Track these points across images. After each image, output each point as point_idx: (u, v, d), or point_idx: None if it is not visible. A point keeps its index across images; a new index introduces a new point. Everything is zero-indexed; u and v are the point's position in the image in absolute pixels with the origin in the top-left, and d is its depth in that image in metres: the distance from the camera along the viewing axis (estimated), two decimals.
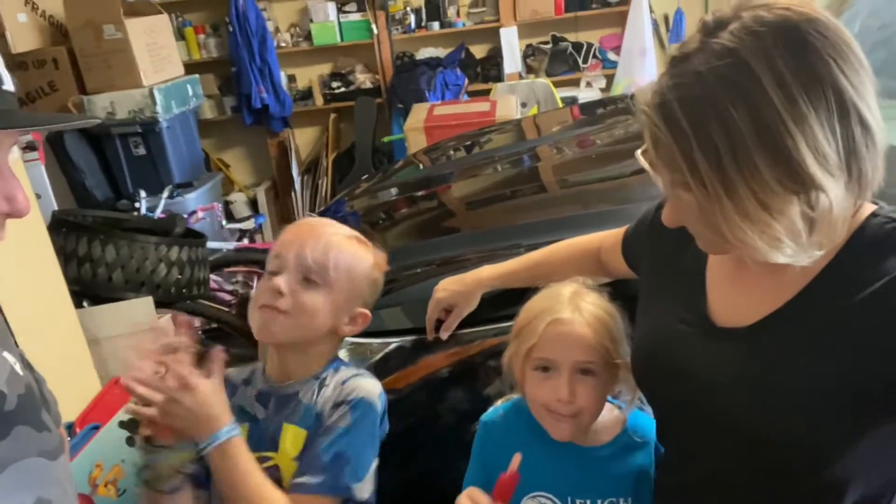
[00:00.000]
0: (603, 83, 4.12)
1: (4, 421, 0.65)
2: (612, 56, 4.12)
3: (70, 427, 1.82)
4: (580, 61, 4.16)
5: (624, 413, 0.98)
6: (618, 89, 3.62)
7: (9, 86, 0.65)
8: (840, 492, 0.71)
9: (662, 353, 0.82)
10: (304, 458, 0.92)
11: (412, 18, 4.11)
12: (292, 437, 0.94)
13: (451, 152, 2.34)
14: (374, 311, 1.35)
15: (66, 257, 2.22)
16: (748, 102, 0.61)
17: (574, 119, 2.49)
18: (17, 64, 3.00)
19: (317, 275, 0.93)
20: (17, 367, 0.73)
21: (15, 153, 1.84)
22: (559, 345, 0.90)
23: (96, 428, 1.83)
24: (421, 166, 2.26)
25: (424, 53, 4.17)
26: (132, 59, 3.09)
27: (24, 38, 2.98)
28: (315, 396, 0.95)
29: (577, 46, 4.16)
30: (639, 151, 0.72)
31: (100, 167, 3.26)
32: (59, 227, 2.28)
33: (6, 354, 0.73)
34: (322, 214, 2.22)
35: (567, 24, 4.16)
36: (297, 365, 0.97)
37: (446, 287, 1.19)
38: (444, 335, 1.18)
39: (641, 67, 3.63)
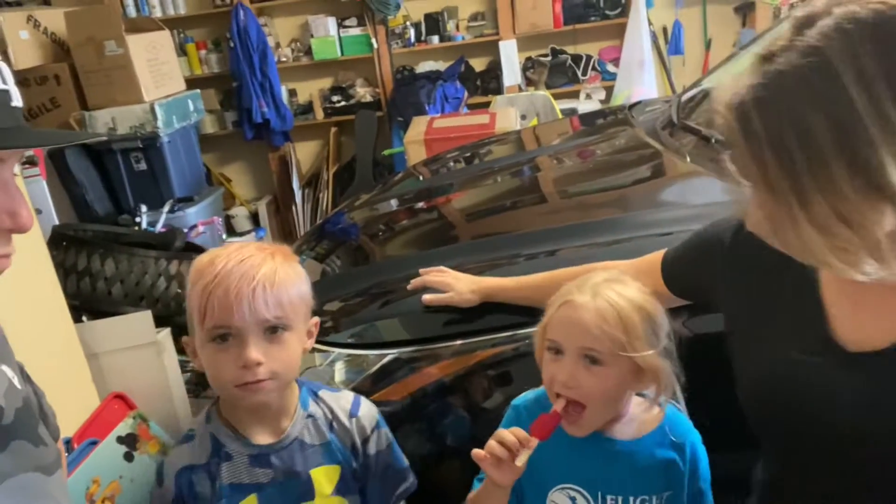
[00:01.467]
0: (602, 95, 4.13)
1: (1, 435, 0.64)
2: (610, 68, 4.13)
3: (68, 442, 1.81)
4: (579, 73, 4.18)
5: (661, 410, 0.94)
6: (617, 101, 3.63)
7: (17, 102, 0.65)
8: None
9: (788, 388, 0.75)
10: (379, 480, 0.99)
11: (412, 32, 4.14)
12: (326, 478, 0.94)
13: (451, 164, 2.34)
14: (370, 323, 1.36)
15: (66, 271, 2.22)
16: (827, 106, 0.57)
17: (573, 130, 2.49)
18: (18, 80, 3.00)
19: (279, 323, 0.88)
20: (16, 381, 0.72)
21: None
22: (565, 328, 0.88)
23: (94, 443, 1.82)
24: (421, 178, 2.26)
25: (424, 67, 4.19)
26: (133, 75, 3.11)
27: (25, 55, 3.00)
28: (322, 429, 0.96)
29: (577, 59, 4.18)
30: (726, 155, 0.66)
31: (101, 182, 3.27)
32: (58, 241, 2.28)
33: (5, 368, 0.73)
34: (321, 227, 2.22)
35: (566, 37, 4.18)
36: (276, 412, 0.95)
37: (456, 275, 1.22)
38: (426, 299, 1.20)
39: (640, 79, 3.64)
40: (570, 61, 4.17)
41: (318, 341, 1.33)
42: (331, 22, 4.11)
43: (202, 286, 0.87)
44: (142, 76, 3.15)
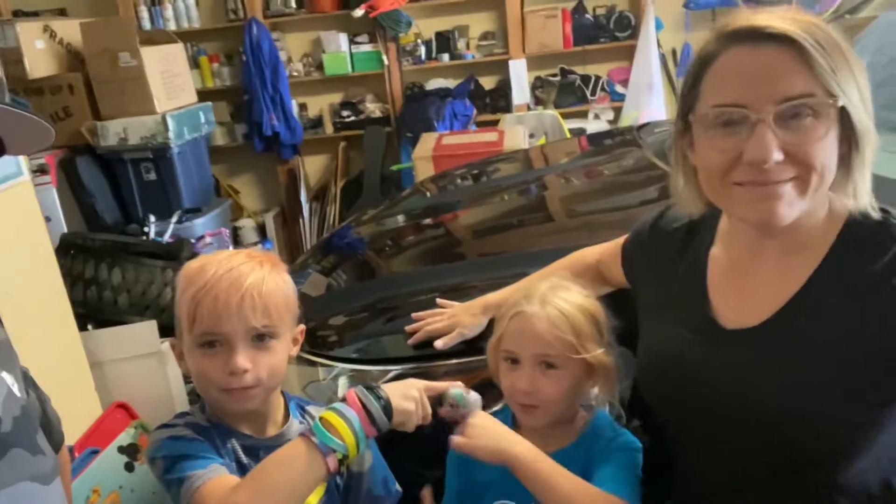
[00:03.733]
0: (611, 115, 4.14)
1: (1, 443, 0.64)
2: (619, 89, 4.15)
3: (70, 450, 1.81)
4: (588, 94, 4.19)
5: (588, 413, 1.00)
6: (625, 121, 3.64)
7: None
8: (849, 491, 0.75)
9: (673, 362, 0.84)
10: (367, 488, 0.99)
11: (422, 50, 4.18)
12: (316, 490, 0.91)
13: (459, 181, 2.35)
14: (375, 338, 1.36)
15: (73, 279, 2.22)
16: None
17: (581, 150, 2.50)
18: (33, 89, 3.05)
19: (267, 331, 0.89)
20: (16, 389, 0.72)
21: (25, 175, 1.86)
22: (520, 338, 0.95)
23: (96, 452, 1.82)
24: (428, 194, 2.27)
25: (434, 84, 4.22)
26: (146, 87, 3.14)
27: (41, 65, 3.03)
28: None
29: (586, 79, 4.20)
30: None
31: (111, 191, 3.29)
32: (66, 249, 2.30)
33: (4, 375, 0.73)
34: (327, 241, 2.22)
35: (575, 58, 4.20)
36: (263, 418, 0.95)
37: (453, 312, 1.21)
38: (439, 344, 1.18)
39: (649, 101, 3.66)
40: (579, 81, 4.19)
41: (321, 355, 1.33)
42: (342, 38, 4.15)
43: (192, 293, 0.87)
44: (155, 88, 3.18)
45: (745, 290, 0.81)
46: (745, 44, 0.72)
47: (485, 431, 0.92)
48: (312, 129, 4.36)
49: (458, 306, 1.23)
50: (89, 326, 2.22)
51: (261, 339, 0.89)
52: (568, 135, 3.64)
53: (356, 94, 4.37)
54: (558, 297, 0.95)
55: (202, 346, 0.88)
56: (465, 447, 0.91)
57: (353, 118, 4.31)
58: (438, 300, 1.27)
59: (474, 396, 0.94)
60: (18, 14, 3.64)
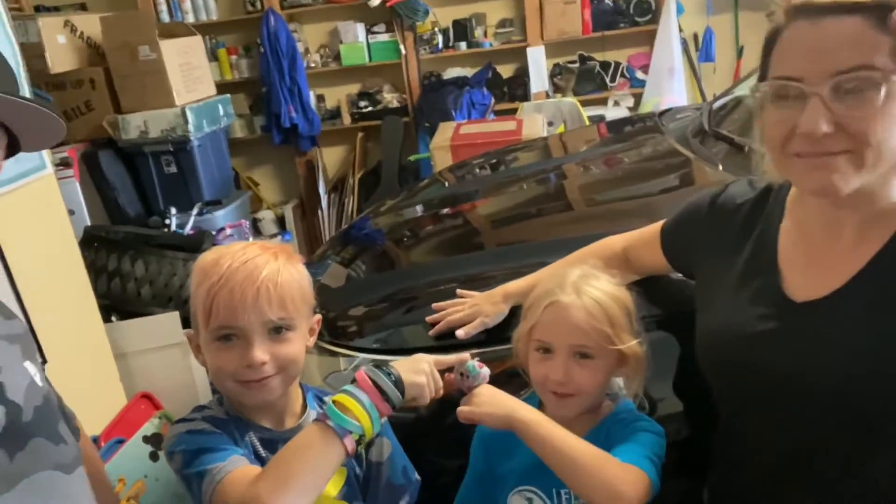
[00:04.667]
0: (631, 102, 4.09)
1: (20, 433, 0.64)
2: (639, 75, 4.09)
3: (94, 441, 1.84)
4: (607, 80, 4.14)
5: (612, 402, 1.00)
6: (646, 108, 3.59)
7: None
8: None
9: (742, 335, 0.84)
10: (378, 492, 0.98)
11: (440, 39, 4.15)
12: (332, 481, 0.91)
13: (477, 170, 2.33)
14: (395, 328, 1.35)
15: (97, 272, 2.25)
16: None
17: (601, 137, 2.47)
18: (55, 84, 3.09)
19: (283, 324, 0.89)
20: (38, 378, 0.73)
21: (49, 168, 1.88)
22: (556, 328, 0.94)
23: (121, 442, 1.85)
24: (446, 184, 2.25)
25: (451, 73, 4.20)
26: (166, 80, 3.16)
27: (62, 59, 3.07)
28: None
29: (605, 65, 4.14)
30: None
31: (132, 184, 3.33)
32: (90, 242, 2.33)
33: (27, 365, 0.74)
34: (346, 232, 2.22)
35: (594, 44, 4.15)
36: (280, 410, 0.95)
37: (474, 302, 1.20)
38: (461, 333, 1.17)
39: (670, 86, 3.60)
40: (598, 68, 4.14)
41: (342, 346, 1.34)
42: (359, 28, 4.14)
43: (207, 287, 0.87)
44: (174, 81, 3.20)
45: (820, 262, 0.81)
46: (806, 17, 0.74)
47: (491, 398, 0.93)
48: (330, 121, 4.37)
49: (478, 296, 1.23)
50: (114, 318, 2.26)
51: (277, 331, 0.88)
52: (587, 122, 3.60)
53: (373, 84, 4.36)
54: (591, 286, 0.94)
55: (218, 339, 0.87)
56: (472, 415, 0.92)
57: (370, 109, 4.30)
58: (458, 290, 1.27)
59: (485, 370, 0.96)
60: (40, 9, 3.68)
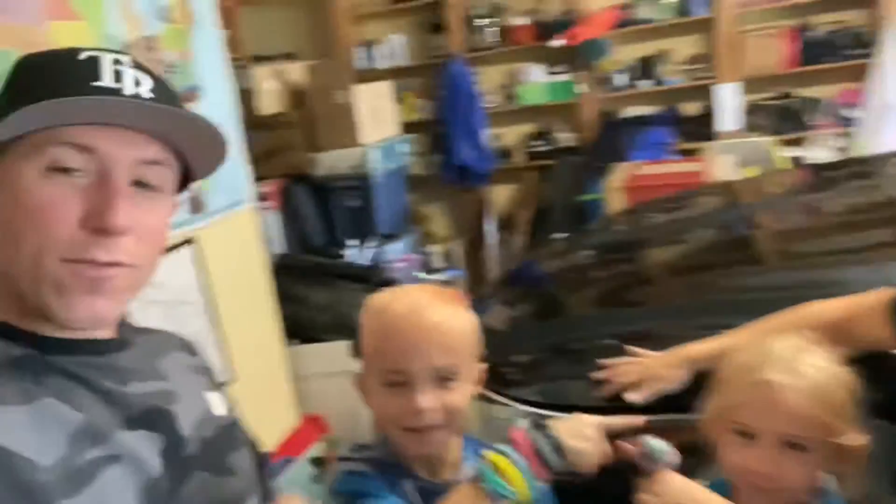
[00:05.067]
0: (838, 143, 3.65)
1: (182, 466, 0.63)
2: (849, 113, 3.65)
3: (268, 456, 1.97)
4: (811, 119, 3.74)
5: (818, 501, 0.83)
6: (858, 150, 3.18)
7: (108, 81, 0.58)
8: None
9: None
10: None
11: (621, 77, 4.05)
12: None
13: (655, 215, 2.20)
14: (559, 382, 1.29)
15: (283, 297, 2.44)
16: None
17: (803, 182, 2.21)
18: (262, 124, 3.46)
19: (451, 371, 0.86)
20: (215, 409, 0.73)
21: (251, 202, 2.08)
22: (764, 412, 0.80)
23: (289, 461, 1.96)
24: (620, 228, 2.15)
25: (631, 112, 4.06)
26: (356, 121, 3.41)
27: (270, 103, 3.44)
28: None
29: (808, 103, 3.75)
30: None
31: (320, 216, 3.60)
32: (280, 268, 2.53)
33: (209, 395, 0.75)
34: (512, 273, 2.20)
35: (794, 79, 3.79)
36: (438, 462, 0.92)
37: (649, 363, 1.10)
38: (634, 398, 1.07)
39: (888, 127, 3.16)
40: (799, 106, 3.76)
41: (501, 394, 1.29)
42: (539, 68, 4.17)
43: (377, 328, 0.87)
44: (363, 122, 3.44)
45: None
46: None
47: (681, 493, 0.80)
48: (504, 159, 4.42)
49: (651, 356, 1.12)
50: (295, 342, 2.42)
51: (444, 378, 0.86)
52: (785, 165, 3.27)
53: (549, 123, 4.35)
54: (808, 364, 0.80)
55: (386, 383, 0.87)
56: None
57: (544, 148, 4.29)
58: (629, 347, 1.17)
59: (673, 453, 0.83)
60: (256, 59, 4.18)
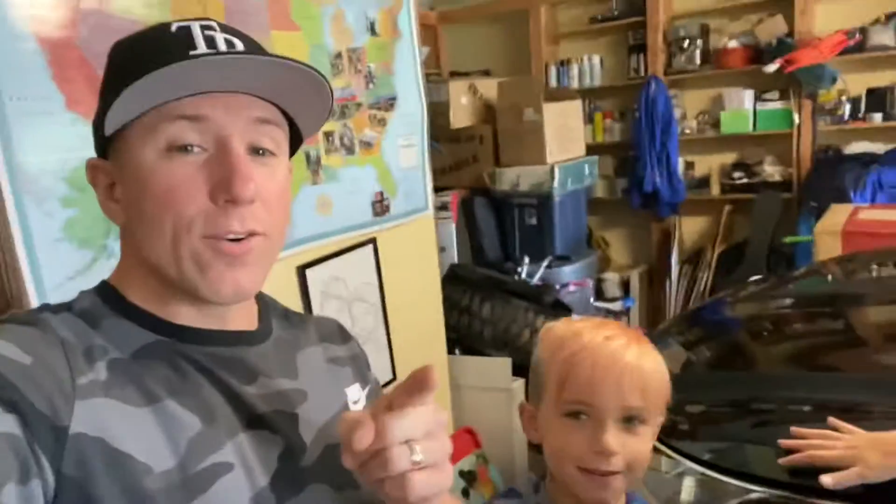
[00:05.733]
0: None
1: (297, 477, 0.60)
2: None
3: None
4: None
5: None
6: None
7: (201, 47, 0.56)
8: None
9: None
10: None
11: (846, 108, 3.58)
12: None
13: (875, 266, 1.89)
14: (737, 444, 1.14)
15: (451, 306, 2.48)
16: None
17: None
18: (452, 138, 3.57)
19: (639, 414, 0.79)
20: (356, 404, 0.70)
21: (430, 210, 2.13)
22: None
23: None
24: (830, 278, 1.88)
25: (856, 148, 3.58)
26: (542, 139, 3.39)
27: (461, 117, 3.54)
28: None
29: None
30: None
31: (496, 231, 3.62)
32: (452, 278, 2.58)
33: (351, 389, 0.71)
34: (696, 312, 2.02)
35: None
36: None
37: (855, 442, 0.93)
38: (828, 481, 0.90)
39: None
40: None
41: (670, 447, 1.17)
42: (747, 95, 3.84)
43: (566, 356, 0.81)
44: (549, 140, 3.41)
45: None
46: None
47: None
48: (696, 189, 4.13)
49: (859, 434, 0.94)
50: (456, 351, 2.44)
51: (630, 420, 0.79)
52: None
53: (754, 154, 3.98)
54: None
55: (567, 414, 0.81)
56: None
57: (745, 180, 3.94)
58: (831, 419, 1.00)
59: None
60: (453, 75, 4.33)
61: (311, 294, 1.63)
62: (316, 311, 1.65)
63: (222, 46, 0.57)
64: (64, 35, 1.09)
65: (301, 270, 1.61)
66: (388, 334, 1.90)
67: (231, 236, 0.57)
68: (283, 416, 0.62)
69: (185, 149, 0.56)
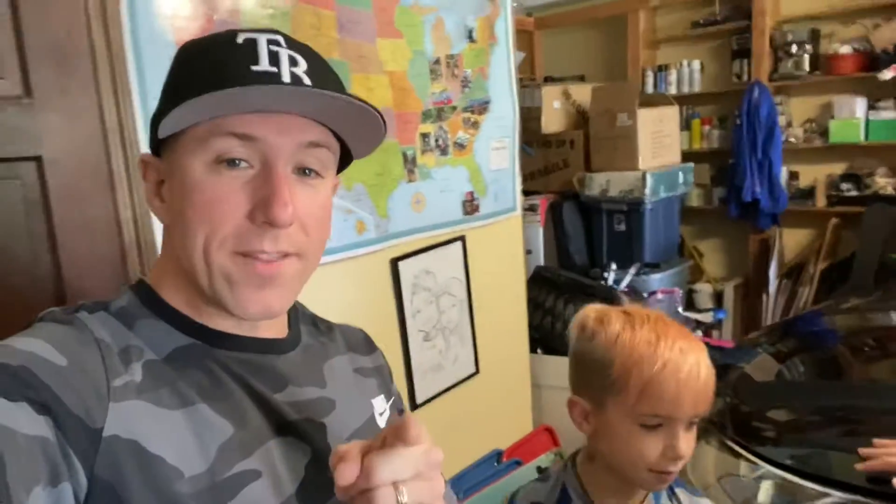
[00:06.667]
0: None
1: (321, 488, 0.58)
2: None
3: (499, 454, 2.05)
4: None
5: None
6: None
7: (264, 65, 0.56)
8: None
9: None
10: None
11: None
12: None
13: None
14: (818, 450, 1.12)
15: (535, 306, 2.51)
16: None
17: None
18: (543, 142, 3.60)
19: (699, 419, 0.90)
20: (381, 417, 0.70)
21: (518, 211, 2.19)
22: None
23: (518, 463, 2.01)
24: None
25: None
26: (635, 145, 3.35)
27: (554, 122, 3.56)
28: None
29: None
30: None
31: (584, 235, 3.62)
32: (537, 279, 2.62)
33: (376, 400, 0.71)
34: (790, 322, 1.96)
35: None
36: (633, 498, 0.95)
37: None
38: None
39: None
40: None
41: (749, 449, 1.17)
42: (859, 103, 3.63)
43: (652, 372, 0.86)
44: (642, 146, 3.37)
45: None
46: None
47: None
48: (800, 200, 3.94)
49: None
50: (538, 350, 2.48)
51: (691, 426, 0.89)
52: None
53: (865, 165, 3.76)
54: None
55: (642, 424, 0.87)
56: None
57: (853, 193, 3.72)
58: None
59: None
60: (548, 80, 4.36)
61: (402, 285, 1.73)
62: (406, 300, 1.74)
63: (284, 63, 0.56)
64: None
65: (394, 262, 1.71)
66: (472, 329, 1.97)
67: (264, 256, 0.57)
68: (312, 424, 0.62)
69: (232, 162, 0.56)
